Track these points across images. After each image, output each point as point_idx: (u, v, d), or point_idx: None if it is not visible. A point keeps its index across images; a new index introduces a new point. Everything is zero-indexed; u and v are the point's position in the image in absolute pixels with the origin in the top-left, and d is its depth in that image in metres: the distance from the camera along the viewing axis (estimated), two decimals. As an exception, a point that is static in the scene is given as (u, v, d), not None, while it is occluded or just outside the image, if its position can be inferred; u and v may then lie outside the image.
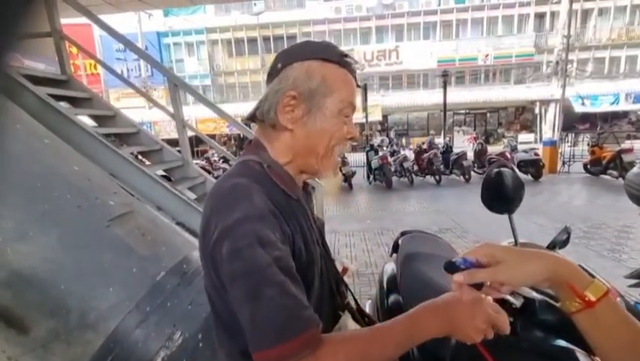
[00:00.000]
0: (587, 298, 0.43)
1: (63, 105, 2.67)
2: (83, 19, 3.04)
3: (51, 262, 1.26)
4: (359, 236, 4.44)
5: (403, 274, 1.34)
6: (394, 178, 8.41)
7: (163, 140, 3.46)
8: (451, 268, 0.49)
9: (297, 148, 0.63)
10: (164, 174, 3.18)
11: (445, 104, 11.39)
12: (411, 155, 9.35)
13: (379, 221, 5.19)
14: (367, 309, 1.60)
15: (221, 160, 9.58)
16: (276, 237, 0.51)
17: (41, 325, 1.22)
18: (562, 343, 0.70)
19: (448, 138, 11.17)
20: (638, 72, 17.88)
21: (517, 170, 0.79)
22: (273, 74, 0.63)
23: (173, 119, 3.09)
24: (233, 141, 19.34)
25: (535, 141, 17.13)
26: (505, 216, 0.82)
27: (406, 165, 8.37)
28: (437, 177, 8.28)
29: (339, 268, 0.83)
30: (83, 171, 1.66)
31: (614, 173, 7.05)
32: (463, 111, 20.95)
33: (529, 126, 19.91)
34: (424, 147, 8.99)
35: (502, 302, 0.73)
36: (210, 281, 0.55)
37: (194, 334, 1.40)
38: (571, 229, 0.98)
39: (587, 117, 17.66)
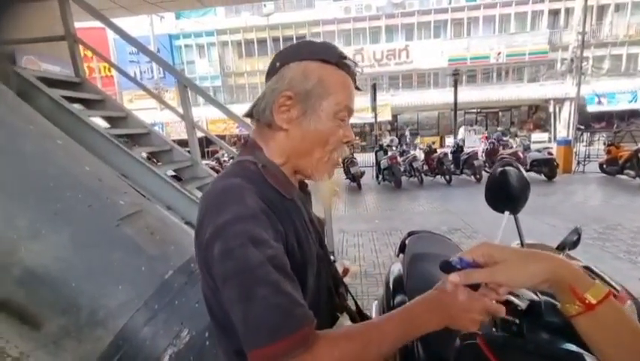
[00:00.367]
0: (587, 301, 0.42)
1: (76, 107, 2.74)
2: (98, 23, 3.11)
3: (62, 260, 1.29)
4: (367, 236, 4.42)
5: (409, 275, 1.33)
6: (404, 178, 8.34)
7: (174, 140, 3.51)
8: (447, 267, 0.47)
9: (292, 149, 0.62)
10: (174, 174, 3.23)
11: (455, 103, 11.24)
12: (420, 155, 9.26)
13: (388, 221, 5.16)
14: (374, 309, 1.59)
15: (231, 160, 9.67)
16: (269, 235, 0.50)
17: (53, 322, 1.25)
18: (570, 346, 0.69)
19: (459, 138, 11.02)
20: (657, 69, 17.34)
21: (522, 169, 0.77)
22: (271, 72, 0.62)
23: (183, 120, 3.13)
24: (242, 142, 19.48)
25: (549, 140, 16.76)
26: (512, 217, 0.80)
27: (415, 164, 8.29)
28: (447, 177, 8.18)
29: (340, 269, 0.83)
30: (95, 172, 1.69)
31: (631, 173, 6.84)
32: (474, 110, 20.64)
33: (542, 125, 19.49)
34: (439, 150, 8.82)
35: (507, 304, 0.72)
36: (205, 281, 0.55)
37: (201, 332, 1.41)
38: (581, 229, 0.96)
39: (602, 116, 17.19)
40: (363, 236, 4.44)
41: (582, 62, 11.12)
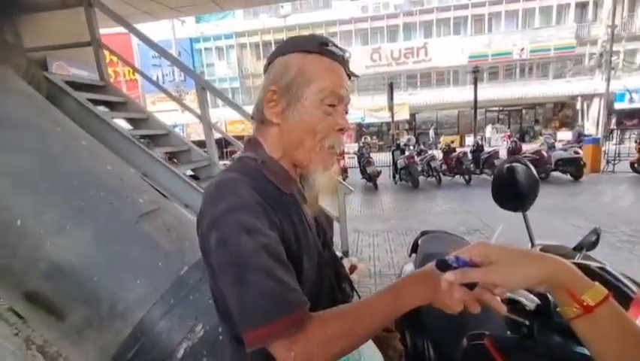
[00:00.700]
0: (585, 303, 0.40)
1: (101, 109, 2.86)
2: (123, 29, 3.23)
3: (85, 255, 1.35)
4: (382, 236, 4.38)
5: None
6: (421, 178, 8.21)
7: (193, 141, 3.60)
8: (443, 265, 0.47)
9: (285, 142, 0.63)
10: (192, 173, 3.31)
11: (475, 101, 10.95)
12: (439, 154, 9.08)
13: (404, 221, 5.09)
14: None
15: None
16: (263, 224, 0.52)
17: (76, 313, 1.32)
18: (583, 350, 0.66)
19: (486, 136, 10.73)
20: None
21: (530, 165, 0.75)
22: (264, 72, 0.66)
23: (201, 121, 3.21)
24: (246, 140, 19.71)
25: (577, 139, 16.04)
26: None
27: (433, 164, 8.14)
28: (467, 176, 7.98)
29: (347, 266, 0.83)
30: (116, 171, 1.77)
31: (666, 172, 6.46)
32: (496, 108, 20.04)
33: (569, 123, 18.68)
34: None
35: (515, 304, 0.70)
36: (208, 271, 0.58)
37: (215, 327, 1.45)
38: (601, 230, 0.92)
39: (633, 113, 16.28)
40: (378, 236, 4.41)
41: (612, 56, 10.58)
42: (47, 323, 1.31)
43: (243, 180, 0.56)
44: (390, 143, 10.47)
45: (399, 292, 0.53)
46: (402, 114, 17.85)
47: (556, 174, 7.58)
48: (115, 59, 3.52)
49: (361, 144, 9.41)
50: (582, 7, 18.18)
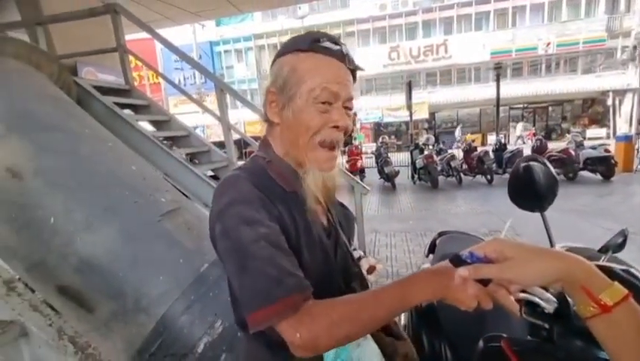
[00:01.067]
0: (602, 303, 0.39)
1: (126, 112, 2.99)
2: (147, 35, 3.36)
3: (111, 251, 1.42)
4: (400, 237, 4.33)
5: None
6: (441, 178, 8.04)
7: (213, 142, 3.70)
8: (457, 261, 0.46)
9: (286, 140, 0.65)
10: (212, 173, 3.40)
11: (498, 98, 10.61)
12: (459, 153, 8.87)
13: (423, 222, 5.01)
14: (402, 311, 1.57)
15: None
16: (262, 216, 0.55)
17: (104, 307, 1.38)
18: (606, 356, 0.64)
19: (502, 135, 10.40)
20: None
21: (548, 163, 0.73)
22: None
23: (221, 123, 3.29)
24: (261, 140, 19.95)
25: (608, 137, 15.29)
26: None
27: (453, 163, 7.96)
28: (488, 176, 7.75)
29: (366, 267, 0.82)
30: (140, 171, 1.84)
31: None
32: (520, 105, 19.35)
33: (599, 120, 17.81)
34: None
35: (534, 306, 0.68)
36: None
37: (234, 324, 1.48)
38: (628, 231, 0.88)
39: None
40: (396, 236, 4.36)
41: (647, 48, 9.99)
42: (78, 316, 1.38)
43: (244, 177, 0.59)
44: (408, 142, 10.31)
45: (409, 284, 0.53)
46: (421, 113, 17.56)
47: (585, 173, 7.24)
48: (139, 63, 3.66)
49: (379, 144, 9.33)
50: (614, -3, 17.29)
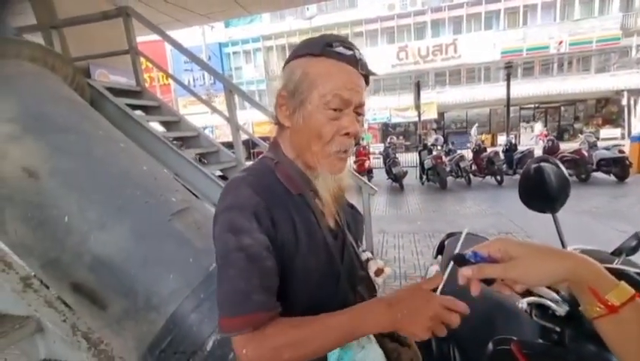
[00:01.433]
0: (609, 303, 0.39)
1: (137, 113, 3.04)
2: (157, 37, 3.41)
3: (124, 249, 1.45)
4: (408, 238, 4.31)
5: (446, 278, 1.29)
6: (449, 179, 7.96)
7: (222, 142, 3.73)
8: (461, 261, 0.46)
9: (296, 145, 0.65)
10: (220, 173, 3.43)
11: (508, 98, 10.47)
12: (468, 154, 8.77)
13: (431, 223, 4.97)
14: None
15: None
16: (252, 226, 0.55)
17: (116, 304, 1.41)
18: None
19: (512, 136, 10.24)
20: None
21: (560, 164, 0.72)
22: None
23: (229, 123, 3.32)
24: (270, 141, 20.02)
25: (622, 137, 14.93)
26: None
27: (462, 164, 7.87)
28: (498, 177, 7.64)
29: (374, 269, 0.81)
30: (151, 171, 1.87)
31: None
32: (531, 106, 19.03)
33: (613, 120, 17.40)
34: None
35: (545, 309, 0.67)
36: None
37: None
38: (644, 234, 0.86)
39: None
40: (404, 237, 4.34)
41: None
42: (91, 313, 1.41)
43: (247, 182, 0.60)
44: (417, 143, 10.24)
45: (361, 316, 0.54)
46: (429, 113, 17.41)
47: (598, 175, 7.09)
48: (150, 65, 3.72)
49: (387, 144, 9.28)
50: (629, -6, 16.89)
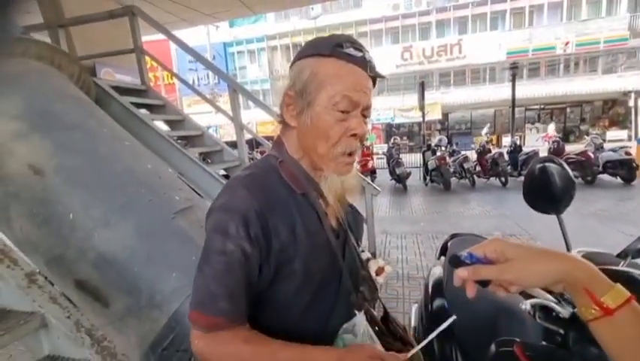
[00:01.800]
0: (604, 305, 0.39)
1: (142, 112, 3.06)
2: (162, 36, 3.43)
3: (127, 247, 1.45)
4: (411, 238, 4.29)
5: (449, 279, 1.29)
6: (453, 180, 7.92)
7: (226, 142, 3.74)
8: (456, 262, 0.46)
9: (302, 145, 0.64)
10: (224, 173, 3.44)
11: (513, 99, 10.40)
12: (472, 155, 8.72)
13: (434, 224, 4.95)
14: (413, 313, 1.56)
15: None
16: (239, 233, 0.55)
17: (119, 302, 1.42)
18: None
19: (517, 137, 10.17)
20: None
21: (565, 165, 0.71)
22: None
23: (233, 123, 3.33)
24: (274, 139, 20.03)
25: (629, 139, 14.77)
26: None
27: (466, 165, 7.83)
28: (503, 178, 7.60)
29: (374, 268, 0.81)
30: (155, 170, 1.88)
31: None
32: (537, 107, 18.89)
33: (620, 122, 17.22)
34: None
35: (549, 311, 0.67)
36: None
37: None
38: (649, 236, 0.85)
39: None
40: (407, 238, 4.32)
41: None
42: (94, 310, 1.42)
43: (245, 182, 0.60)
44: (421, 143, 10.21)
45: (309, 358, 0.56)
46: (434, 114, 17.35)
47: (604, 177, 7.02)
48: (155, 64, 3.74)
49: (391, 145, 9.26)
50: (637, -5, 16.69)
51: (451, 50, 18.44)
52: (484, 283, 0.45)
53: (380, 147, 13.94)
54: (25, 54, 1.99)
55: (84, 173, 1.57)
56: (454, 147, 9.25)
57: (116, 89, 2.97)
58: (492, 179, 7.99)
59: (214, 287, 0.55)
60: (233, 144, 3.60)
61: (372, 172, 8.81)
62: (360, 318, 0.66)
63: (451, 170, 7.86)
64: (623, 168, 6.68)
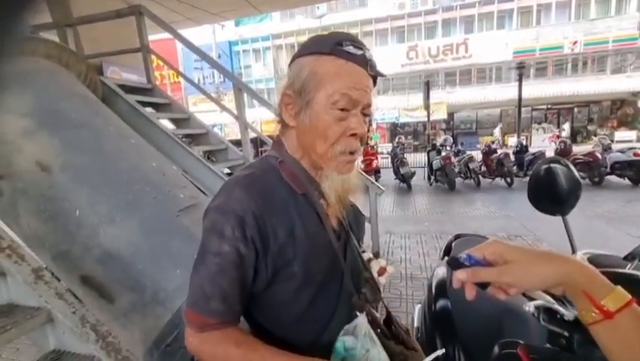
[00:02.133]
0: (604, 308, 0.38)
1: (148, 110, 3.08)
2: (168, 35, 3.45)
3: (132, 244, 1.47)
4: (415, 238, 4.28)
5: (450, 280, 1.28)
6: (458, 180, 7.88)
7: (231, 140, 3.75)
8: (455, 264, 0.45)
9: (302, 144, 0.63)
10: (228, 171, 3.45)
11: (520, 98, 10.32)
12: (477, 155, 8.67)
13: (438, 224, 4.93)
14: (416, 314, 1.56)
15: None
16: (235, 234, 0.55)
17: (124, 298, 1.43)
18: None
19: (523, 137, 10.09)
20: None
21: (571, 165, 0.70)
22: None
23: (238, 121, 3.34)
24: (275, 139, 20.08)
25: (638, 140, 14.59)
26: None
27: (471, 165, 7.78)
28: (508, 179, 7.54)
29: (376, 268, 0.80)
30: (160, 168, 1.90)
31: None
32: (543, 106, 18.69)
33: (629, 122, 16.98)
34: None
35: (553, 313, 0.66)
36: None
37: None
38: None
39: None
40: (410, 238, 4.31)
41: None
42: (99, 305, 1.44)
43: (243, 182, 0.59)
44: (425, 143, 10.17)
45: None
46: (439, 114, 17.25)
47: (612, 178, 6.94)
48: (161, 62, 3.76)
49: (395, 144, 9.23)
50: (647, -6, 16.43)
51: (457, 49, 18.31)
52: (483, 286, 0.45)
53: (385, 147, 13.88)
54: (35, 53, 2.02)
55: (90, 170, 1.59)
56: (459, 146, 9.20)
57: (123, 87, 2.99)
58: (497, 179, 7.93)
59: (208, 288, 0.55)
60: (237, 143, 3.61)
61: (377, 171, 8.79)
62: (361, 320, 0.65)
63: (456, 170, 7.82)
64: (631, 170, 6.59)
